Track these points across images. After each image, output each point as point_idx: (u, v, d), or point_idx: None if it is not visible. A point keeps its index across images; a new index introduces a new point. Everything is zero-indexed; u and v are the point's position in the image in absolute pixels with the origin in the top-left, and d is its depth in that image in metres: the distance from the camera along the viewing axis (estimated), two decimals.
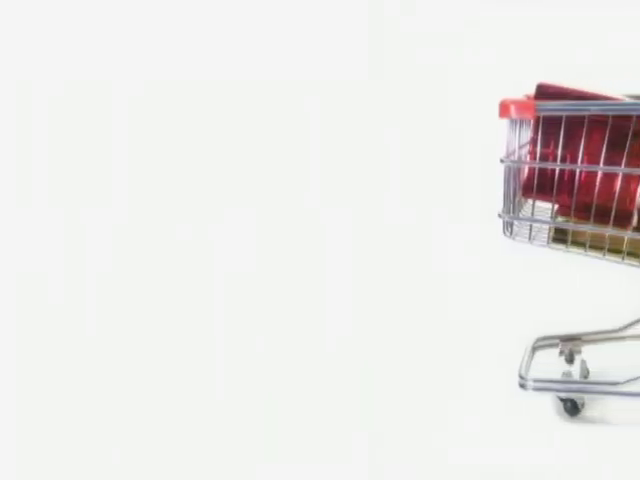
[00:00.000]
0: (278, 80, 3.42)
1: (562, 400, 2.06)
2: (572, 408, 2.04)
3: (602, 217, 1.87)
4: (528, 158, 1.94)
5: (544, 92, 1.88)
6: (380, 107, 3.53)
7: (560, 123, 1.84)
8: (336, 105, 3.48)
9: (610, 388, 1.98)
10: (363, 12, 3.46)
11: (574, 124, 1.83)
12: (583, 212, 1.89)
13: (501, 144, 1.92)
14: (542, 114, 1.84)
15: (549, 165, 1.90)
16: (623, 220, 1.87)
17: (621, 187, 1.84)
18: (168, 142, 3.43)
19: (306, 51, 3.43)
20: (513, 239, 2.01)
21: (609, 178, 1.85)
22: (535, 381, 2.04)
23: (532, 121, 1.89)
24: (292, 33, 3.42)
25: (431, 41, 3.49)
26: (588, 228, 1.90)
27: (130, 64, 3.43)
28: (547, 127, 1.87)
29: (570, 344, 2.19)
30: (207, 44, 3.42)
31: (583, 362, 2.18)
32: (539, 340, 2.25)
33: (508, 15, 3.37)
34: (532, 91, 1.90)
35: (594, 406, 2.08)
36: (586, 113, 1.80)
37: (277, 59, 3.42)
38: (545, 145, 1.89)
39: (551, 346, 2.23)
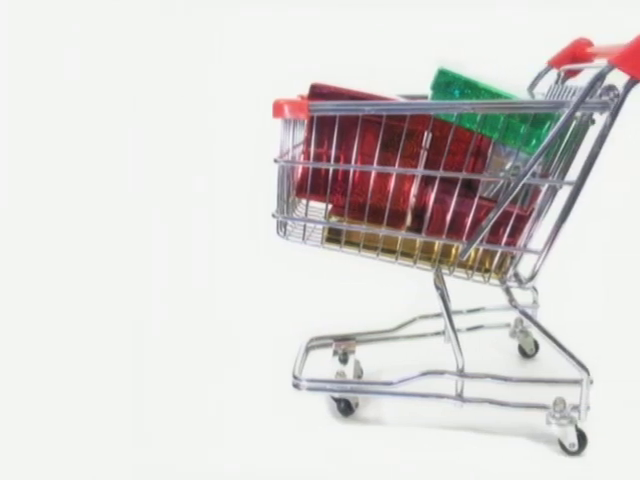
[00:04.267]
0: None
1: (336, 400, 2.08)
2: (346, 408, 2.06)
3: (376, 217, 1.90)
4: (302, 158, 1.93)
5: (318, 92, 1.87)
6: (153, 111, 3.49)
7: (334, 123, 1.83)
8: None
9: (384, 388, 2.01)
10: None
11: (348, 124, 1.83)
12: (357, 212, 1.91)
13: (276, 144, 1.90)
14: (316, 114, 1.83)
15: (322, 165, 1.89)
16: (397, 220, 1.90)
17: (395, 187, 1.87)
18: None
19: None
20: (287, 239, 1.99)
21: (383, 178, 1.87)
22: (309, 381, 2.05)
23: (306, 121, 1.87)
24: None
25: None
26: (361, 228, 1.91)
27: None
28: (321, 127, 1.86)
29: (344, 344, 2.20)
30: None
31: (357, 362, 2.21)
32: (313, 340, 2.25)
33: (283, 14, 3.39)
34: (306, 91, 1.89)
35: (368, 406, 2.11)
36: (360, 113, 1.80)
37: None
38: (319, 145, 1.88)
39: (325, 346, 2.24)
